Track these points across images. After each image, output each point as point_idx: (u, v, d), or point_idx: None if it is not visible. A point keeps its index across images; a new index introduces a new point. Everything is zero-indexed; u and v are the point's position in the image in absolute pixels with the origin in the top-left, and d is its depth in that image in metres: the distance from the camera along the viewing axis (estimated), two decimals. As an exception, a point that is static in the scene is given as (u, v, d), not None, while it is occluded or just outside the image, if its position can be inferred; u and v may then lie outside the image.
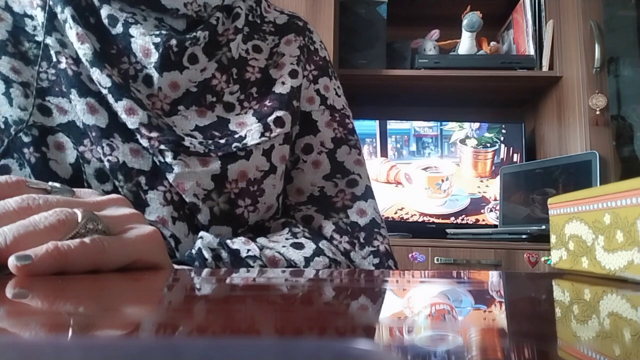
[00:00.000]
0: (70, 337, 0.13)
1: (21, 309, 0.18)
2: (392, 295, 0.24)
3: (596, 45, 1.53)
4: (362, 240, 0.51)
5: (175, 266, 0.37)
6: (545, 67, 1.66)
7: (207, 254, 0.42)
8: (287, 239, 0.48)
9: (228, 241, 0.44)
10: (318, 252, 0.46)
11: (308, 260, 0.45)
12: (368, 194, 0.54)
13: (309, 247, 0.47)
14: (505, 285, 0.30)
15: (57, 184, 0.32)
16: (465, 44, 1.72)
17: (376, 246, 0.51)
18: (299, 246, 0.47)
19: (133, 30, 0.49)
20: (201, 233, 0.45)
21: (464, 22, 1.68)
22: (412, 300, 0.22)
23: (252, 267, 0.43)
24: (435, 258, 1.50)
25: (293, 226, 0.50)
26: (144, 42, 0.48)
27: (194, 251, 0.43)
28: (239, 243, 0.44)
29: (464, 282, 0.31)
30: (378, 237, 0.52)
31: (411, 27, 1.88)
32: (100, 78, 0.46)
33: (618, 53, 1.89)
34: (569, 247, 0.34)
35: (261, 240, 0.47)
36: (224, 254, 0.43)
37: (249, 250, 0.44)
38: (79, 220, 0.28)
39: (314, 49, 0.60)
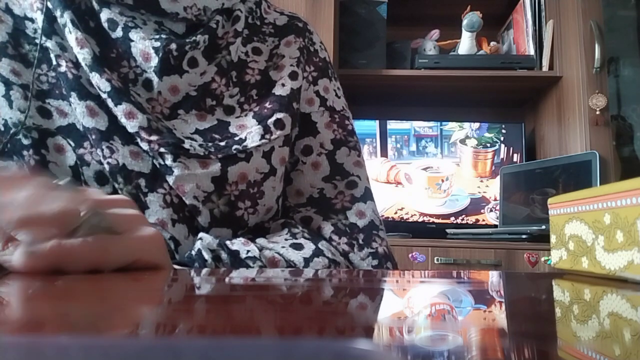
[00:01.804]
0: (70, 337, 0.13)
1: (21, 309, 0.18)
2: (392, 295, 0.24)
3: (596, 45, 1.53)
4: (360, 241, 0.51)
5: (175, 267, 0.37)
6: (545, 67, 1.66)
7: (206, 255, 0.42)
8: (286, 239, 0.48)
9: (227, 242, 0.44)
10: (317, 252, 0.46)
11: (307, 261, 0.45)
12: (367, 196, 0.54)
13: (309, 247, 0.47)
14: (505, 285, 0.30)
15: (63, 181, 0.32)
16: (465, 44, 1.72)
17: (375, 248, 0.51)
18: (298, 247, 0.47)
19: (133, 35, 0.49)
20: (201, 234, 0.45)
21: (464, 22, 1.68)
22: (412, 300, 0.22)
23: (252, 267, 0.43)
24: (435, 258, 1.50)
25: (292, 227, 0.50)
26: (143, 46, 0.48)
27: (193, 252, 0.43)
28: (238, 244, 0.44)
29: (464, 282, 0.31)
30: (377, 238, 0.52)
31: (411, 27, 1.88)
32: (100, 82, 0.46)
33: (618, 53, 1.89)
34: (569, 247, 0.34)
35: (260, 241, 0.47)
36: (224, 255, 0.43)
37: (248, 251, 0.43)
38: (83, 212, 0.29)
39: (313, 50, 0.60)
